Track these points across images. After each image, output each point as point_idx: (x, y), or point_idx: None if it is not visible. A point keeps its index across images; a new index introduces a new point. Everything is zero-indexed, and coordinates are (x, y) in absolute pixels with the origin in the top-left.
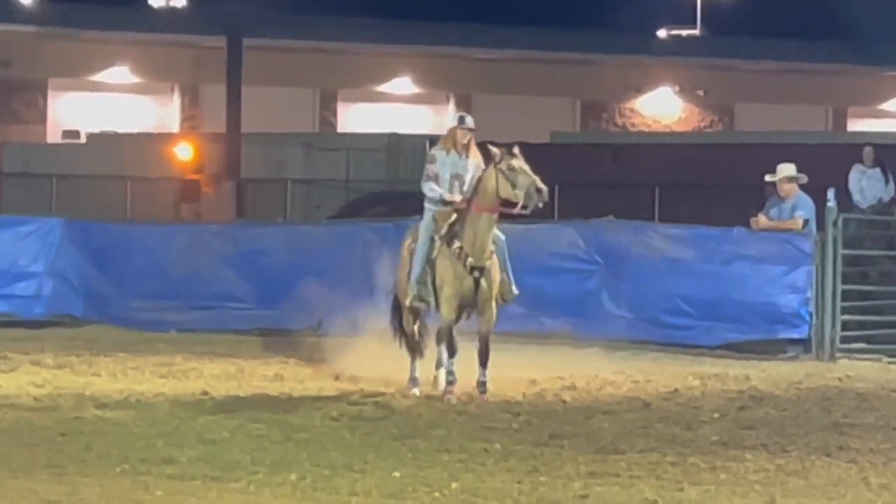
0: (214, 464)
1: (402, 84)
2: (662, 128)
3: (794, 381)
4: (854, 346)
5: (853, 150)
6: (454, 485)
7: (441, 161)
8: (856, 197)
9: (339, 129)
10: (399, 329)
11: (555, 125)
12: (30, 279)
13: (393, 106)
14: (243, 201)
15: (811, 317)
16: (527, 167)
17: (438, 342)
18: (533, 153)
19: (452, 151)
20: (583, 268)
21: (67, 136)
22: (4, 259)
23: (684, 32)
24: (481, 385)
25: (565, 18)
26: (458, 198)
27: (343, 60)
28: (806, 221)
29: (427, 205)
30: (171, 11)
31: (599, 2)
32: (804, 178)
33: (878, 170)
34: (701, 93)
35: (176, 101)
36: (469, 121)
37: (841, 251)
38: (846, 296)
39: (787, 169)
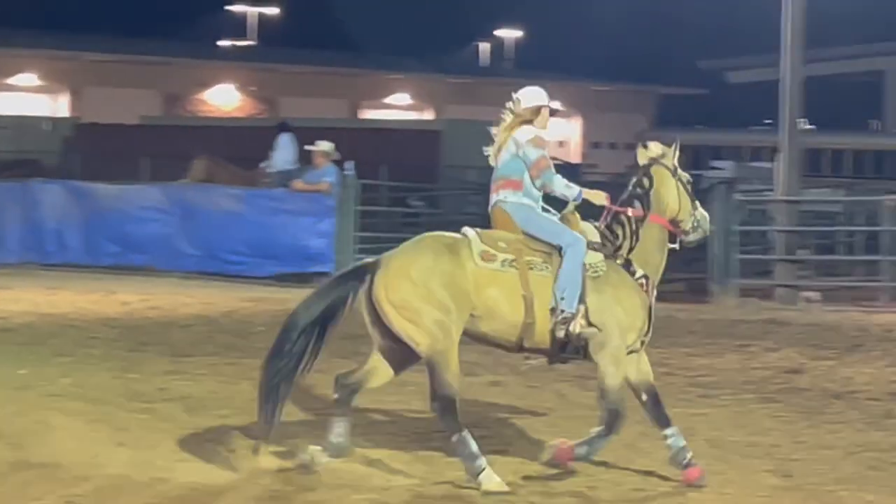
0: None
1: None
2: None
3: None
4: None
5: (363, 133)
6: (66, 379)
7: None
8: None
9: None
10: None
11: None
12: None
13: None
14: None
15: (334, 255)
16: None
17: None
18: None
19: None
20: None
21: None
22: None
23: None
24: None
25: None
26: (604, 196)
27: None
28: (331, 185)
29: (529, 202)
30: None
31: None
32: (336, 154)
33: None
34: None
35: None
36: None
37: (355, 207)
38: (361, 240)
39: (322, 145)
